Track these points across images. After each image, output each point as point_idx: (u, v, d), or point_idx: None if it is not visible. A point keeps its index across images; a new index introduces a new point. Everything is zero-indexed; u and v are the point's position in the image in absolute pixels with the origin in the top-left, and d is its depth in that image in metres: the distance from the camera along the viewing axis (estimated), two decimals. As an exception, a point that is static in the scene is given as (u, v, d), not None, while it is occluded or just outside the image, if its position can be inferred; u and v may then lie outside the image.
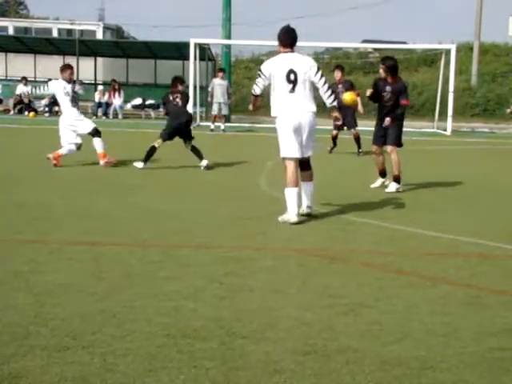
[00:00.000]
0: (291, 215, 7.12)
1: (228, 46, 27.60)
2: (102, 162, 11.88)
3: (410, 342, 3.90)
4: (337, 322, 4.21)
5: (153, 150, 11.71)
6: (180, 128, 11.87)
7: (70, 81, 12.08)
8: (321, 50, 40.34)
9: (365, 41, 41.60)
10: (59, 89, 11.92)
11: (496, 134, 25.23)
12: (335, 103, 7.40)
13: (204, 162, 11.84)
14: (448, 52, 24.82)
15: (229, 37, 27.01)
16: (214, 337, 3.89)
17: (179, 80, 12.34)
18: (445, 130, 24.17)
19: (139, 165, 11.60)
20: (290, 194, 7.18)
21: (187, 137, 11.99)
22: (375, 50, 38.12)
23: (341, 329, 4.09)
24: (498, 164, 13.62)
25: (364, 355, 3.67)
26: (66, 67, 12.22)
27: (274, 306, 4.50)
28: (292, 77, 7.09)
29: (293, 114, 7.16)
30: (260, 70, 7.26)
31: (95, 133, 11.96)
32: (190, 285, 4.91)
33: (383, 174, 10.10)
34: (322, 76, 7.22)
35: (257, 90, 7.32)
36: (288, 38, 7.26)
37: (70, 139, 11.91)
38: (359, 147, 15.25)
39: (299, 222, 7.16)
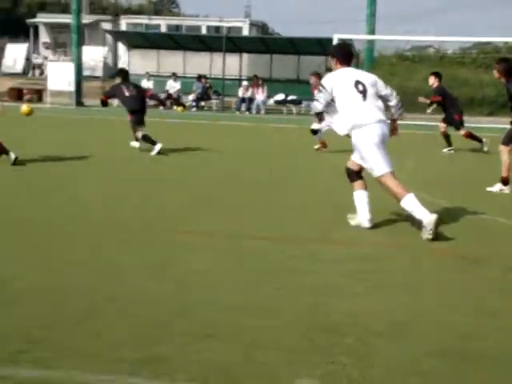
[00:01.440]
0: (427, 221, 6.27)
1: (371, 42, 27.35)
2: (316, 146, 14.38)
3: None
4: (478, 326, 4.12)
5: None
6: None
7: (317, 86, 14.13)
8: (468, 45, 39.06)
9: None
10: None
11: None
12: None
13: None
14: None
15: (372, 32, 26.76)
16: (351, 332, 3.92)
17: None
18: None
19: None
20: (410, 201, 6.45)
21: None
22: (528, 43, 36.33)
23: (482, 334, 4.00)
24: None
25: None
26: (314, 74, 14.24)
27: (412, 305, 4.48)
28: (360, 87, 6.70)
29: (374, 123, 6.65)
30: (321, 85, 6.87)
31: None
32: (326, 280, 4.98)
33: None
34: (388, 87, 6.94)
35: (319, 106, 6.82)
36: (345, 56, 7.01)
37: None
38: None
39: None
